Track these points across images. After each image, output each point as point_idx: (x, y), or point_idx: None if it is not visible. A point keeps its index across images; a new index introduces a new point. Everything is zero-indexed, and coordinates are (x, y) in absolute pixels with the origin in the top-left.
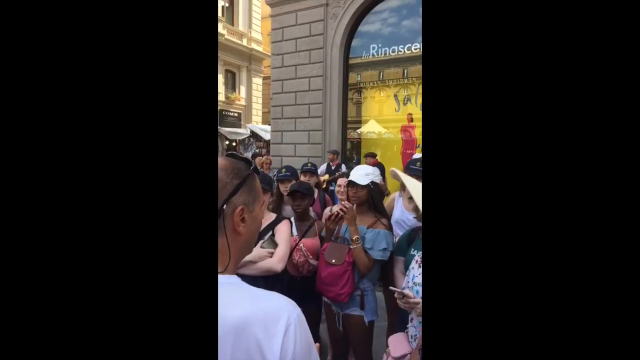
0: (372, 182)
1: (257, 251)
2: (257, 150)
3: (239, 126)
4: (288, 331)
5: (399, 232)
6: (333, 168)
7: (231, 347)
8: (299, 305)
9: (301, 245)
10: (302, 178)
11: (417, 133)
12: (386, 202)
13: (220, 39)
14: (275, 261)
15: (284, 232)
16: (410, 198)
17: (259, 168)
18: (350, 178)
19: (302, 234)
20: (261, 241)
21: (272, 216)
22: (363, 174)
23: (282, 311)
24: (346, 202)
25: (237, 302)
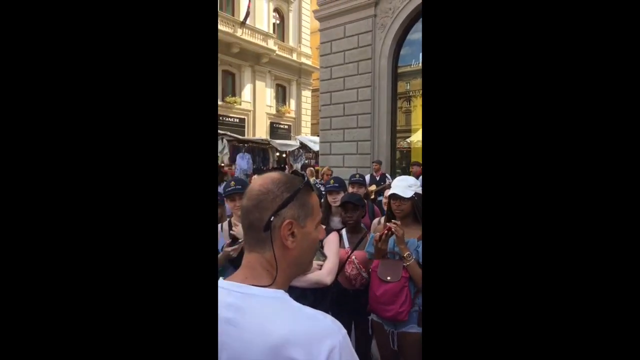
0: (416, 194)
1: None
2: (307, 162)
3: (289, 138)
4: (333, 353)
5: None
6: (378, 178)
7: None
8: (351, 319)
9: (353, 257)
10: (350, 189)
11: None
12: None
13: (271, 55)
14: (325, 274)
15: (333, 244)
16: None
17: (318, 179)
18: (393, 191)
19: (354, 246)
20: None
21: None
22: (406, 185)
23: (326, 333)
24: (395, 221)
25: (280, 319)
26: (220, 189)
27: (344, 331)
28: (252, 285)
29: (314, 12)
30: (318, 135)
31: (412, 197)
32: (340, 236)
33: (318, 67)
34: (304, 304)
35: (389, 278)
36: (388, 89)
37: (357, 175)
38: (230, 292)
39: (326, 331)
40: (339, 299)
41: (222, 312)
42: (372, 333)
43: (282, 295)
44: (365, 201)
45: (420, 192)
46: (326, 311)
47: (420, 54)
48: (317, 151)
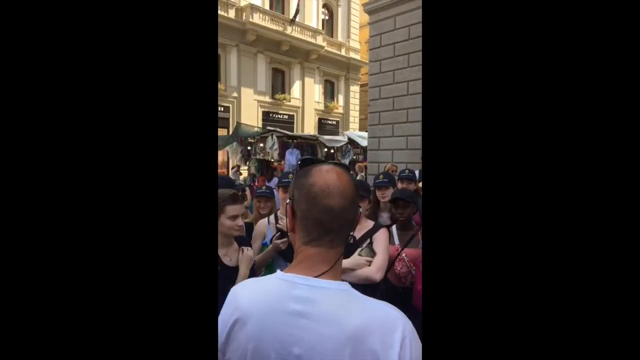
0: None
1: (355, 259)
2: (354, 157)
3: (337, 134)
4: (404, 343)
5: None
6: None
7: (349, 356)
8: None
9: (403, 255)
10: (399, 185)
11: None
12: None
13: (320, 51)
14: (374, 270)
15: (382, 241)
16: None
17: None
18: None
19: (405, 244)
20: (359, 249)
21: (370, 224)
22: None
23: (398, 322)
24: None
25: (354, 310)
26: (272, 184)
27: (411, 322)
28: (317, 277)
29: (364, 5)
30: (366, 131)
31: None
32: (390, 233)
33: (366, 61)
34: None
35: None
36: None
37: (407, 171)
38: (296, 285)
39: (397, 321)
40: (389, 297)
41: (289, 304)
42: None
43: (348, 287)
44: (416, 197)
45: None
46: None
47: None
48: (365, 147)
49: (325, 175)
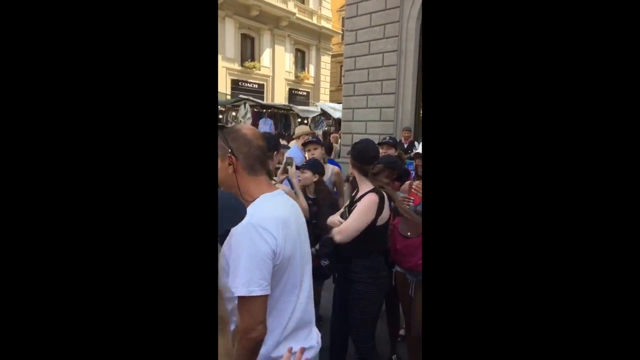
0: None
1: (332, 217)
2: (327, 128)
3: (308, 104)
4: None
5: None
6: (406, 146)
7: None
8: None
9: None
10: (380, 151)
11: None
12: None
13: (291, 17)
14: (336, 231)
15: (359, 207)
16: None
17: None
18: (418, 149)
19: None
20: (344, 207)
21: (368, 187)
22: None
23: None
24: (417, 182)
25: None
26: None
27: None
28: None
29: None
30: (337, 102)
31: None
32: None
33: (338, 30)
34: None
35: (409, 234)
36: (415, 53)
37: (388, 137)
38: (287, 197)
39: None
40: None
41: (296, 211)
42: (394, 283)
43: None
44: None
45: None
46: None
47: None
48: (337, 118)
49: (248, 129)
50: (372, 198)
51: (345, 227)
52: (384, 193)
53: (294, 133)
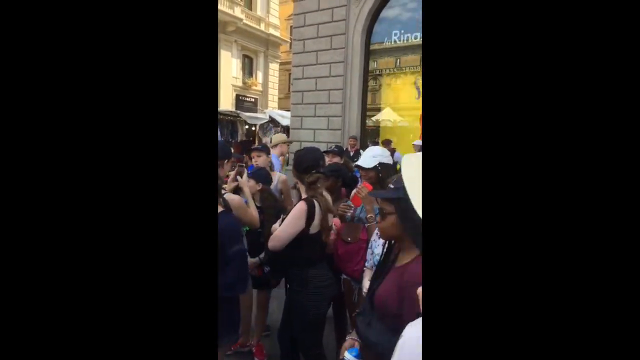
0: (380, 164)
1: (274, 225)
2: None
3: (256, 111)
4: None
5: None
6: (352, 154)
7: None
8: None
9: (331, 224)
10: (326, 159)
11: None
12: None
13: (238, 23)
14: (270, 238)
15: (289, 215)
16: None
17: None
18: (357, 162)
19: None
20: (282, 216)
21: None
22: (370, 156)
23: None
24: (362, 186)
25: None
26: None
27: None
28: None
29: None
30: (286, 110)
31: (375, 167)
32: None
33: (286, 39)
34: None
35: (349, 239)
36: (360, 66)
37: (333, 146)
38: None
39: None
40: (321, 262)
41: None
42: (343, 289)
43: None
44: (344, 170)
45: (386, 161)
46: (323, 275)
47: (393, 32)
48: (286, 125)
49: None
50: (301, 207)
51: (275, 235)
52: (316, 201)
53: (240, 140)
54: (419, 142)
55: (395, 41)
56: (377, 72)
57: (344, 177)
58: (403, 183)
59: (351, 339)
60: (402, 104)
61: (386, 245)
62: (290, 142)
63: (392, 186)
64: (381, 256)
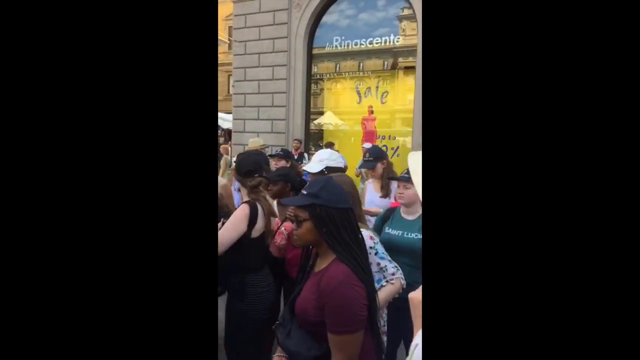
0: (327, 167)
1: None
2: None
3: None
4: None
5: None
6: (296, 157)
7: None
8: (281, 284)
9: (282, 229)
10: (272, 163)
11: (378, 125)
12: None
13: None
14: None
15: (232, 216)
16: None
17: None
18: (304, 167)
19: (284, 218)
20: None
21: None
22: (317, 160)
23: None
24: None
25: None
26: None
27: None
28: None
29: None
30: (226, 112)
31: (321, 171)
32: (251, 208)
33: (225, 39)
34: None
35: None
36: (303, 70)
37: (280, 150)
38: None
39: None
40: (270, 266)
41: None
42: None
43: None
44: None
45: (335, 165)
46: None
47: (334, 38)
48: (227, 128)
49: None
50: (243, 209)
51: (220, 237)
52: (259, 205)
53: None
54: (368, 144)
55: (336, 46)
56: (318, 77)
57: (292, 182)
58: (315, 188)
59: (277, 356)
60: (342, 108)
61: (304, 252)
62: (267, 146)
63: (304, 192)
64: (300, 263)
